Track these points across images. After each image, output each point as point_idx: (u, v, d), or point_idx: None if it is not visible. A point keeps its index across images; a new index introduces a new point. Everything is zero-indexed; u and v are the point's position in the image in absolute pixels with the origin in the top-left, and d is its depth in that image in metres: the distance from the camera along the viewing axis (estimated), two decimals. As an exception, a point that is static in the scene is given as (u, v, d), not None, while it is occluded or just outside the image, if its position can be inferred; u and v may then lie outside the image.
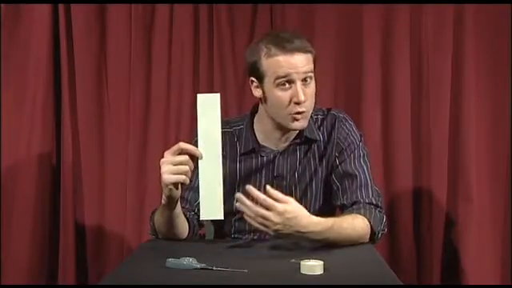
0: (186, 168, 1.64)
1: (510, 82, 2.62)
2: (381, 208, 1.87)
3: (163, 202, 1.71)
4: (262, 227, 1.63)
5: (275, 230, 1.63)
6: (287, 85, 1.82)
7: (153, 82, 2.70)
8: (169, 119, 2.69)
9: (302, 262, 1.48)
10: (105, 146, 2.72)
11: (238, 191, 1.92)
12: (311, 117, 1.93)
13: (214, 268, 1.50)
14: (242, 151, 1.94)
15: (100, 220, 2.71)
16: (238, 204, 1.64)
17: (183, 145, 1.65)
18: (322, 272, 1.47)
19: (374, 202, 1.86)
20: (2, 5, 2.63)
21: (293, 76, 1.80)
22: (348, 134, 1.93)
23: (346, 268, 1.55)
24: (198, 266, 1.51)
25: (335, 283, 1.41)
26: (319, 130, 1.93)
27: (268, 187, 1.65)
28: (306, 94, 1.82)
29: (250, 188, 1.66)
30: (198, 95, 1.67)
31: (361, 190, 1.87)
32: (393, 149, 2.65)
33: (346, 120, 1.95)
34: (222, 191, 1.65)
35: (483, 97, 2.64)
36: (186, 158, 1.64)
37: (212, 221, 2.05)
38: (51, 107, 2.69)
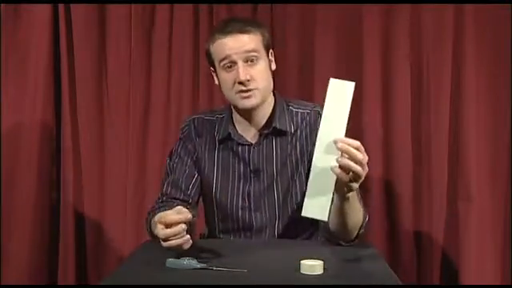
0: (179, 241, 1.57)
1: (510, 82, 2.61)
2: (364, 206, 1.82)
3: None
4: (359, 167, 1.51)
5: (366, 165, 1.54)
6: (231, 66, 1.85)
7: (153, 81, 2.70)
8: (169, 119, 2.69)
9: (302, 262, 1.48)
10: (105, 145, 2.72)
11: (216, 185, 1.92)
12: (289, 109, 1.94)
13: (214, 268, 1.50)
14: (220, 137, 1.94)
15: (100, 220, 2.72)
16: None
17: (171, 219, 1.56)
18: (321, 272, 1.47)
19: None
20: (2, 5, 2.63)
21: (233, 57, 1.84)
22: None
23: (346, 268, 1.55)
24: (198, 266, 1.51)
25: (335, 283, 1.41)
26: (302, 125, 1.92)
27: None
28: (250, 73, 1.83)
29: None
30: (332, 79, 1.55)
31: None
32: (393, 148, 2.65)
33: None
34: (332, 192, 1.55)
35: (483, 97, 2.64)
36: (174, 231, 1.56)
37: (205, 218, 2.05)
38: (51, 107, 2.69)
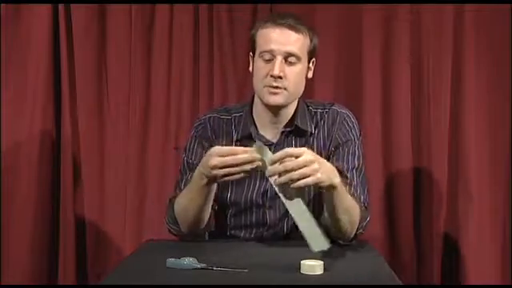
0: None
1: (509, 82, 2.62)
2: (366, 208, 1.84)
3: (201, 187, 1.72)
4: (303, 180, 1.57)
5: (315, 171, 1.57)
6: (269, 58, 1.84)
7: (153, 82, 2.70)
8: (169, 119, 2.69)
9: (302, 262, 1.48)
10: (105, 145, 2.72)
11: (232, 182, 1.89)
12: (309, 109, 1.94)
13: (214, 268, 1.50)
14: (239, 137, 1.93)
15: (100, 220, 2.71)
16: (272, 180, 1.60)
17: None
18: (321, 272, 1.47)
19: (362, 200, 1.84)
20: (2, 5, 2.63)
21: (275, 52, 1.83)
22: (348, 131, 1.92)
23: (346, 268, 1.55)
24: (198, 265, 1.51)
25: (335, 283, 1.41)
26: (320, 123, 1.93)
27: (286, 149, 1.61)
28: (284, 72, 1.83)
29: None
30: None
31: (350, 189, 1.83)
32: (393, 148, 2.65)
33: (349, 117, 1.95)
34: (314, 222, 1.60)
35: (483, 96, 2.64)
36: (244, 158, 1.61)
37: (214, 216, 2.04)
38: (51, 107, 2.69)
